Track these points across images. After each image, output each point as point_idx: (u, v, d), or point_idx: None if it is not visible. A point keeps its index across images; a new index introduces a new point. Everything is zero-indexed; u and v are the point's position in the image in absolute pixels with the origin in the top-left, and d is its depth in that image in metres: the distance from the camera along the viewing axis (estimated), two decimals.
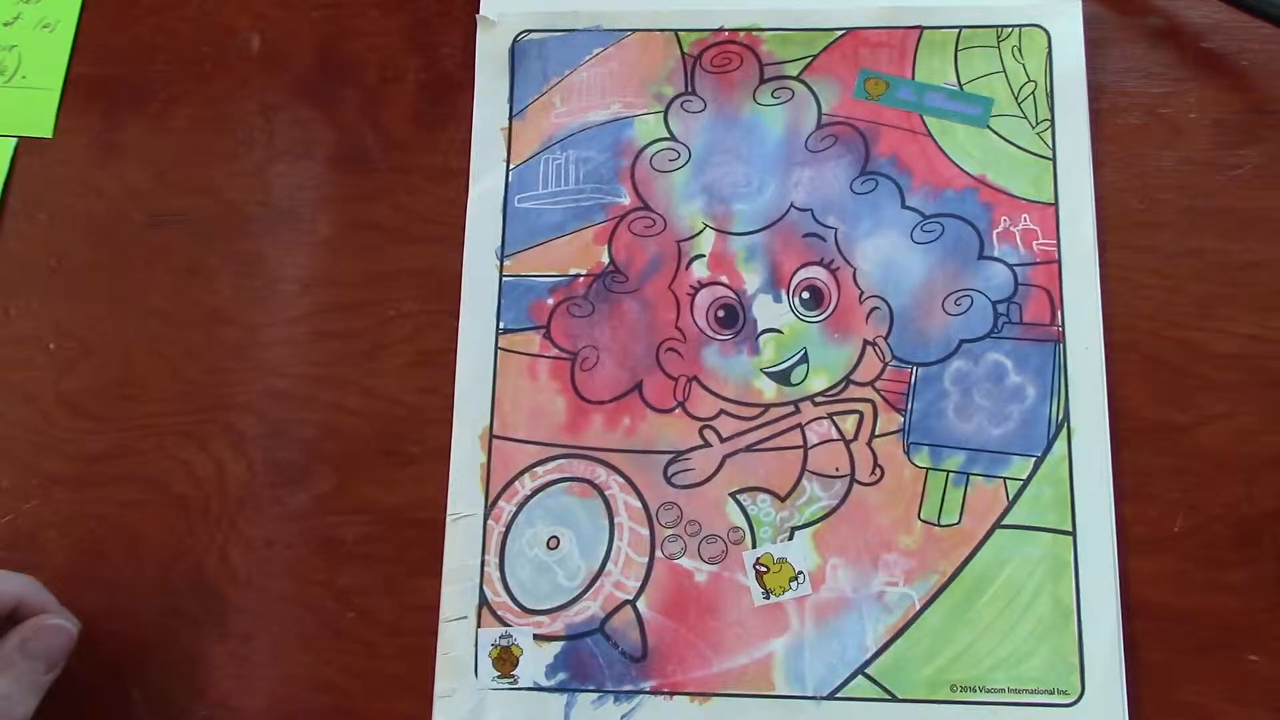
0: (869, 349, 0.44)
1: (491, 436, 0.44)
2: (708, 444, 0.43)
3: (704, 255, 0.45)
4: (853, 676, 0.41)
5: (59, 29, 0.50)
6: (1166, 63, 0.47)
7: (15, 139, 0.48)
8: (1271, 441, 0.42)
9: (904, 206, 0.45)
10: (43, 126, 0.49)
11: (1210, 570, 0.41)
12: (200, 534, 0.44)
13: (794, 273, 0.45)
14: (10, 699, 0.37)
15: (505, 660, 0.42)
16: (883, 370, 0.44)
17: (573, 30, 0.48)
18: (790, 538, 0.42)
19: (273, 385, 0.45)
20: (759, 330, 0.44)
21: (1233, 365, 0.43)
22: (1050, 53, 0.46)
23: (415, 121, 0.48)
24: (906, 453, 0.43)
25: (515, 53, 0.48)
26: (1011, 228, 0.45)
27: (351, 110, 0.48)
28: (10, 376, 0.46)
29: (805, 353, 0.44)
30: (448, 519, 0.43)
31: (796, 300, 0.45)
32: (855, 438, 0.43)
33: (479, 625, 0.42)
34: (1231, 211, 0.45)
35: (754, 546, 0.42)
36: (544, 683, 0.42)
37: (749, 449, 0.43)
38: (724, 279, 0.45)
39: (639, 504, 0.43)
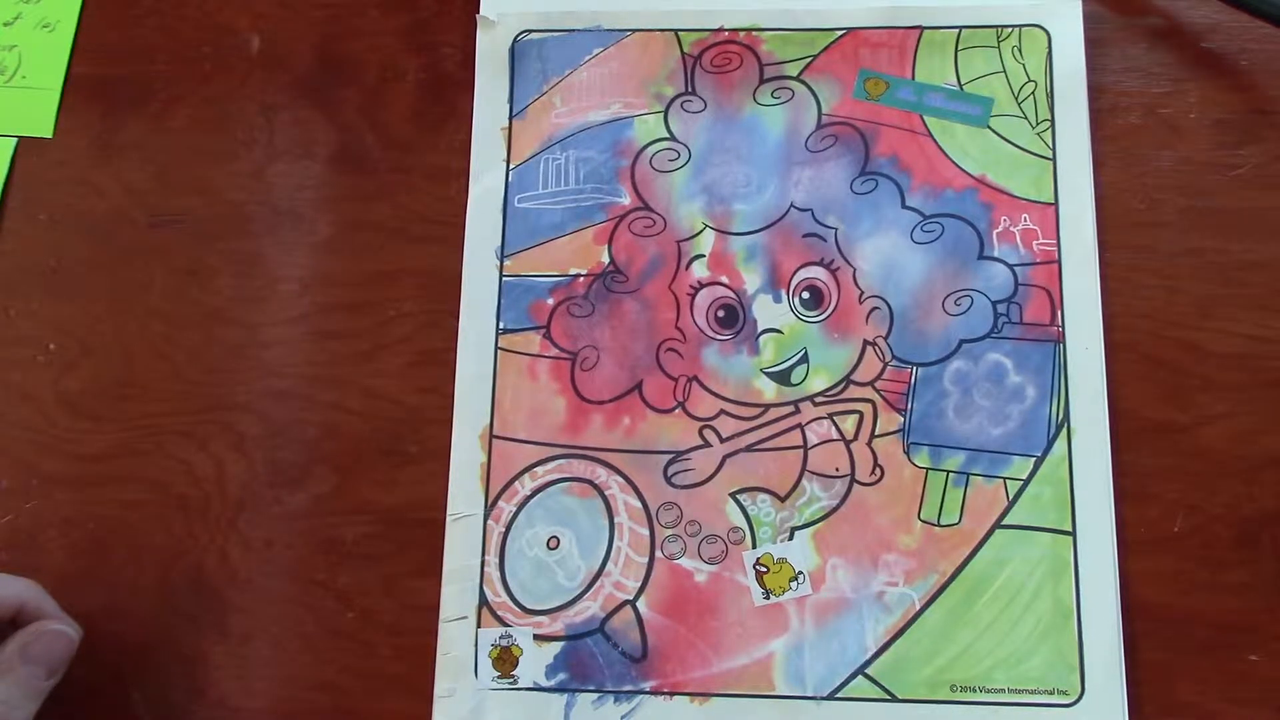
0: (869, 349, 0.44)
1: (491, 436, 0.44)
2: (708, 444, 0.43)
3: (704, 255, 0.45)
4: (853, 676, 0.41)
5: (59, 29, 0.50)
6: (1166, 63, 0.47)
7: (15, 139, 0.48)
8: (1271, 441, 0.42)
9: (904, 206, 0.45)
10: (43, 126, 0.49)
11: (1210, 570, 0.41)
12: (200, 534, 0.44)
13: (794, 273, 0.45)
14: (9, 704, 0.37)
15: (505, 660, 0.42)
16: (883, 370, 0.44)
17: (572, 30, 0.48)
18: (790, 538, 0.42)
19: (273, 385, 0.45)
20: (759, 330, 0.44)
21: (1233, 365, 0.43)
22: (1050, 53, 0.46)
23: (415, 121, 0.48)
24: (906, 453, 0.43)
25: (515, 53, 0.48)
26: (1011, 228, 0.44)
27: (351, 110, 0.48)
28: (10, 376, 0.46)
29: (805, 353, 0.44)
30: (448, 519, 0.43)
31: (796, 300, 0.44)
32: (855, 438, 0.43)
33: (479, 625, 0.42)
34: (1231, 211, 0.45)
35: (754, 546, 0.42)
36: (544, 683, 0.42)
37: (749, 449, 0.43)
38: (724, 279, 0.45)
39: (639, 504, 0.43)
